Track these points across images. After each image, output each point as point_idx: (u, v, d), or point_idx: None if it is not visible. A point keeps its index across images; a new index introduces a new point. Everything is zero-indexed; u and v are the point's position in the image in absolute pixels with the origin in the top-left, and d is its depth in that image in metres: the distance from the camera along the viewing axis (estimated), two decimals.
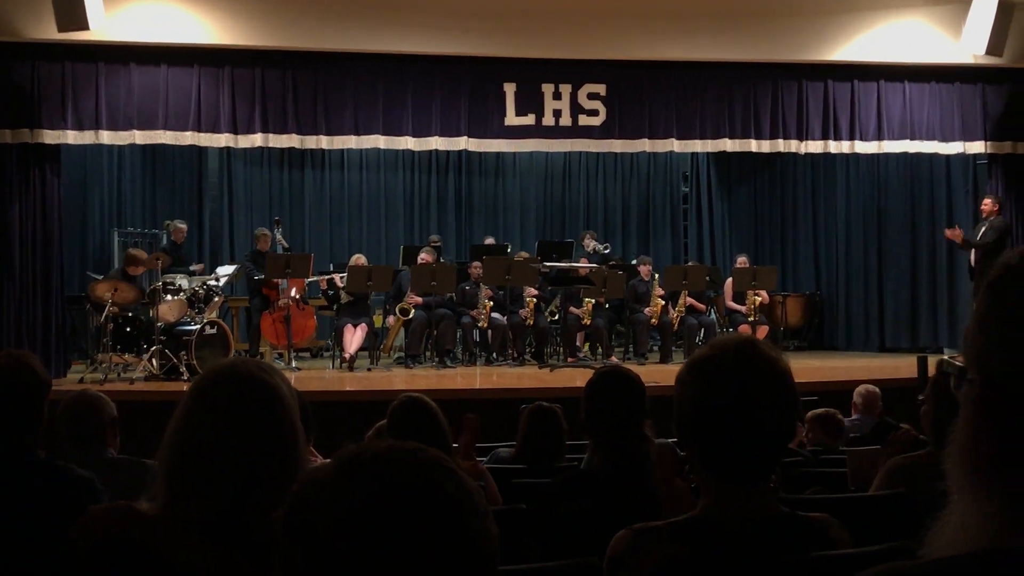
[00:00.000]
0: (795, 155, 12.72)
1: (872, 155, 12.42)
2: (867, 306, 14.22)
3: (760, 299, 12.65)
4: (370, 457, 1.12)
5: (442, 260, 12.99)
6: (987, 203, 11.54)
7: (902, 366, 10.36)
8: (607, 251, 14.19)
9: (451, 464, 1.14)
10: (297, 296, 11.81)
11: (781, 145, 11.75)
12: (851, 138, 11.69)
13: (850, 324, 14.51)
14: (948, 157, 12.43)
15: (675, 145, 11.75)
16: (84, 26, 9.62)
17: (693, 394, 1.95)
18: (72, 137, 10.49)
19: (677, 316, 12.49)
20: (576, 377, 9.80)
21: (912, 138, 11.74)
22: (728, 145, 11.74)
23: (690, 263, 14.96)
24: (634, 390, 3.55)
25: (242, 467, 1.81)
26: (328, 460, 1.19)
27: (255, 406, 1.86)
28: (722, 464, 1.94)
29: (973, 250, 11.46)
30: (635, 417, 3.50)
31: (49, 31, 9.86)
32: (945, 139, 11.79)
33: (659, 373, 9.85)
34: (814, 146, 11.78)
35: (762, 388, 1.90)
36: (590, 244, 14.01)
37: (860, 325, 14.33)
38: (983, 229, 11.40)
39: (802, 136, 11.66)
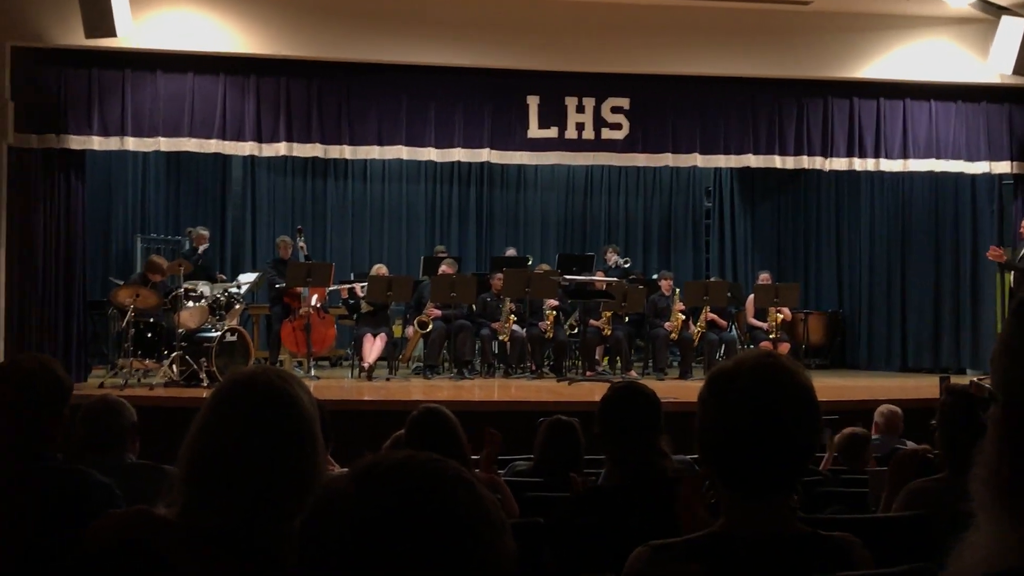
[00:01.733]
0: (819, 172, 12.67)
1: (897, 173, 12.36)
2: (890, 325, 14.13)
3: (782, 316, 12.60)
4: (387, 467, 1.12)
5: (460, 271, 13.00)
6: None
7: (924, 386, 10.29)
8: (627, 265, 14.18)
9: (468, 475, 1.13)
10: (318, 305, 11.85)
11: (805, 162, 11.72)
12: (876, 156, 11.65)
13: (872, 343, 14.43)
14: (974, 177, 12.34)
15: (698, 160, 11.72)
16: (111, 33, 9.68)
17: (713, 408, 1.93)
18: (98, 143, 10.56)
19: (698, 332, 12.44)
20: (594, 391, 9.77)
21: (938, 157, 11.69)
22: (752, 161, 11.71)
23: (711, 279, 14.91)
24: (648, 405, 3.53)
25: (260, 475, 1.81)
26: (345, 469, 1.18)
27: (275, 415, 1.85)
28: (742, 479, 1.92)
29: (1013, 272, 11.34)
30: (650, 432, 3.48)
31: (77, 37, 9.94)
32: (971, 158, 11.73)
33: (679, 389, 9.82)
34: (839, 163, 11.74)
35: (782, 402, 1.88)
36: (612, 258, 13.99)
37: (882, 344, 14.24)
38: (1022, 252, 11.30)
39: (827, 153, 11.62)
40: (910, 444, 6.18)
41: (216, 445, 1.85)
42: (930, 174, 12.33)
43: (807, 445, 1.94)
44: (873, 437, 6.66)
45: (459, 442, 3.87)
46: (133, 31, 10.06)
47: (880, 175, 12.86)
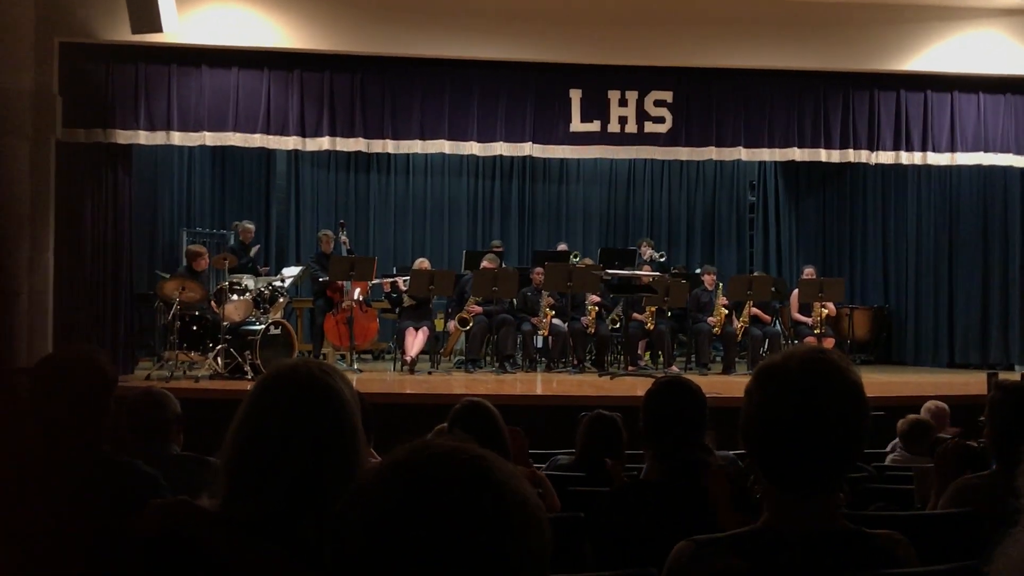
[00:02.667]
0: (865, 165, 12.53)
1: (944, 167, 12.19)
2: (936, 321, 13.94)
3: (827, 311, 12.48)
4: (412, 458, 1.11)
5: (504, 265, 12.99)
6: None
7: (972, 382, 10.15)
8: (663, 259, 14.12)
9: (493, 460, 1.12)
10: (360, 298, 11.90)
11: (851, 155, 11.59)
12: (923, 149, 11.50)
13: (919, 339, 14.25)
14: (1023, 170, 12.16)
15: (742, 153, 11.64)
16: (157, 28, 9.77)
17: (760, 401, 1.91)
18: (144, 137, 10.68)
19: (741, 327, 12.35)
20: (636, 386, 9.74)
21: (986, 150, 11.52)
22: (797, 154, 11.61)
23: (755, 273, 14.79)
24: (694, 400, 3.50)
25: (301, 467, 1.82)
26: None
27: (315, 407, 1.86)
28: (786, 474, 1.90)
29: None
30: (695, 428, 3.46)
31: (123, 33, 10.05)
32: (1020, 152, 11.55)
33: (721, 384, 9.77)
34: (885, 157, 11.60)
35: (830, 398, 1.86)
36: (647, 252, 13.94)
37: (929, 340, 14.06)
38: None
39: (873, 146, 11.49)
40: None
41: (258, 437, 1.86)
42: (978, 168, 12.15)
43: (854, 442, 1.91)
44: None
45: (501, 436, 3.87)
46: (179, 27, 10.16)
47: (927, 169, 12.71)
